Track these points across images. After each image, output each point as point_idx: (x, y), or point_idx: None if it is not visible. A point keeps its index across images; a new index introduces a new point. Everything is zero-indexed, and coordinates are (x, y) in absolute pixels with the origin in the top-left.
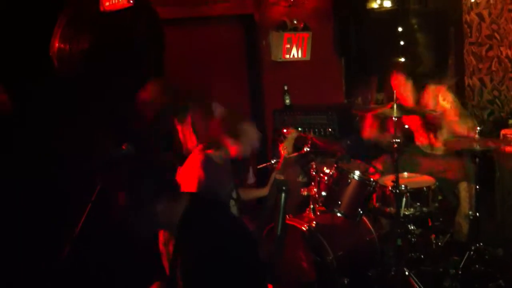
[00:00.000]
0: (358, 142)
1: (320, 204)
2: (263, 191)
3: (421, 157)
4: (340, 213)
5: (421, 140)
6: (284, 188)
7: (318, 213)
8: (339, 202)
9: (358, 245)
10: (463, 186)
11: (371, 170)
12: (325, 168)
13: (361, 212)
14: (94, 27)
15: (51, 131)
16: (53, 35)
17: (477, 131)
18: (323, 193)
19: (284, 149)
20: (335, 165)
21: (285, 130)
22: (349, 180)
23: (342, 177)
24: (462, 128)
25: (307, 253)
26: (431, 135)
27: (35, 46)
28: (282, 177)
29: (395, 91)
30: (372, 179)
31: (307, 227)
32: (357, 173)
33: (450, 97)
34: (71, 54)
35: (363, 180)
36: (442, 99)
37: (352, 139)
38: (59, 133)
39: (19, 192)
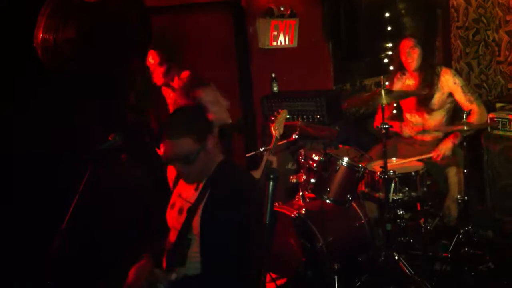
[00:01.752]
0: (347, 128)
1: (309, 191)
2: (256, 174)
3: (409, 143)
4: (329, 199)
5: (412, 120)
6: (272, 176)
7: (308, 200)
8: (328, 189)
9: (348, 231)
10: (452, 171)
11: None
12: (313, 155)
13: (350, 198)
14: (81, 15)
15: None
16: (37, 24)
17: (464, 116)
18: (312, 180)
19: (276, 129)
20: (324, 152)
21: (273, 118)
22: (338, 167)
23: (330, 163)
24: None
25: (297, 240)
26: (424, 116)
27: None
28: (274, 158)
29: (399, 59)
30: (360, 165)
31: (296, 214)
32: (345, 159)
33: (458, 80)
34: (56, 44)
35: (352, 166)
36: (452, 82)
37: (341, 125)
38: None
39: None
